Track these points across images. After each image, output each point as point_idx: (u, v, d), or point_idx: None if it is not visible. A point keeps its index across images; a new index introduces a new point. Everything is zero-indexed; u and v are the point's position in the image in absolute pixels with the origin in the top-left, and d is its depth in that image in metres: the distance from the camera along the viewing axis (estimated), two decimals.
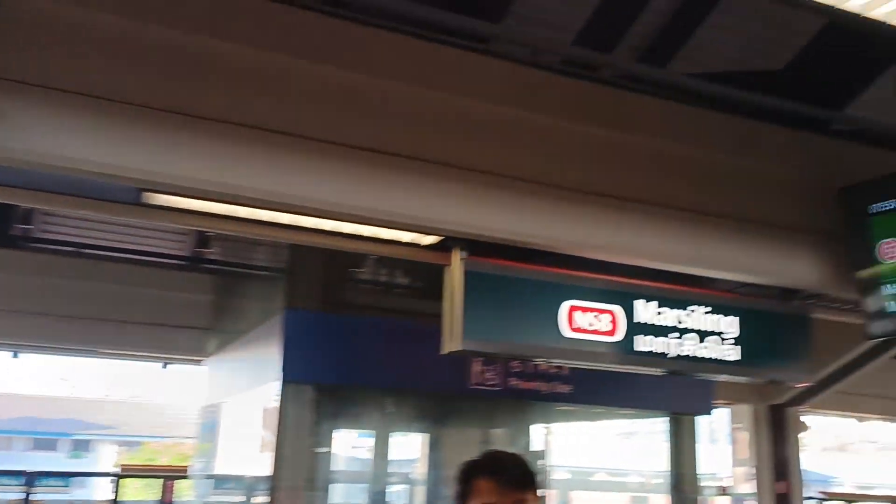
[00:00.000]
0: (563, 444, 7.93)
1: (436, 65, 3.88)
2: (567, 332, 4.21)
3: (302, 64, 3.53)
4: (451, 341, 4.08)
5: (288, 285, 5.81)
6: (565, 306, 4.21)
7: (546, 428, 7.76)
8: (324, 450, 6.03)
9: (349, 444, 8.36)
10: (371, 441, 7.55)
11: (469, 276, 4.03)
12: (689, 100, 4.62)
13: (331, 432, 6.37)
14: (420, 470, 7.66)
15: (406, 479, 8.07)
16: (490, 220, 3.79)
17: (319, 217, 3.73)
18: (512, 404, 6.57)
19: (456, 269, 4.09)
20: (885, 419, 11.33)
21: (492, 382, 5.85)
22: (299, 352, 5.41)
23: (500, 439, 7.28)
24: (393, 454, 7.60)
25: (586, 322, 4.24)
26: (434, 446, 7.44)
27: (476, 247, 4.13)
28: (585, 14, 4.80)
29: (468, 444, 7.15)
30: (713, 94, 4.74)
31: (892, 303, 4.16)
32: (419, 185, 3.62)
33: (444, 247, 4.24)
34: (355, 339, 5.57)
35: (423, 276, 6.32)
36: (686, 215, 4.20)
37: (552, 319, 4.20)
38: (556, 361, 5.04)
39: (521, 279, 4.16)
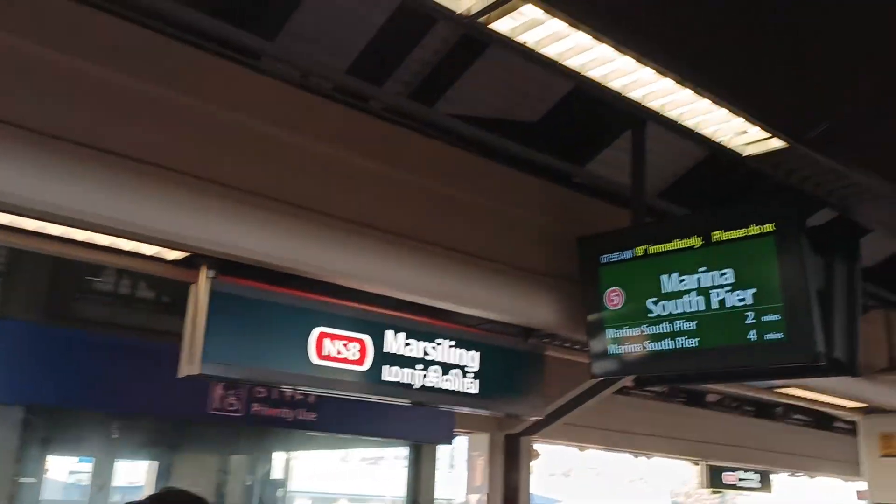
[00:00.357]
0: (306, 471, 7.76)
1: (197, 72, 3.66)
2: (315, 359, 4.14)
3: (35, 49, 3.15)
4: (190, 364, 3.83)
5: (1, 292, 5.14)
6: (315, 333, 4.13)
7: (289, 454, 7.57)
8: (29, 479, 5.37)
9: (66, 472, 7.56)
10: (90, 468, 6.88)
11: (215, 296, 3.82)
12: (451, 140, 4.80)
13: (42, 459, 5.70)
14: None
15: None
16: (241, 239, 3.62)
17: (45, 221, 3.33)
18: (254, 431, 6.33)
19: (202, 287, 3.87)
20: (602, 448, 12.49)
21: (233, 408, 5.59)
22: (7, 369, 4.79)
23: (239, 466, 6.98)
24: (118, 482, 6.98)
25: (335, 350, 4.19)
26: (165, 474, 6.95)
27: (226, 266, 3.93)
28: (360, 44, 4.82)
29: (204, 471, 6.77)
30: (474, 137, 4.98)
31: (614, 346, 4.55)
32: (165, 196, 3.36)
33: (191, 263, 4.00)
34: (80, 356, 5.05)
35: (170, 291, 5.91)
36: (439, 251, 4.31)
37: (301, 346, 4.11)
38: (303, 389, 4.93)
39: (271, 303, 4.03)
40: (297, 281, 4.21)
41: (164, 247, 3.77)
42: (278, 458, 7.42)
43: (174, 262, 4.02)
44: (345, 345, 4.23)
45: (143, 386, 5.12)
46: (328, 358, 4.17)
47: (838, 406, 7.78)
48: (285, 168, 3.86)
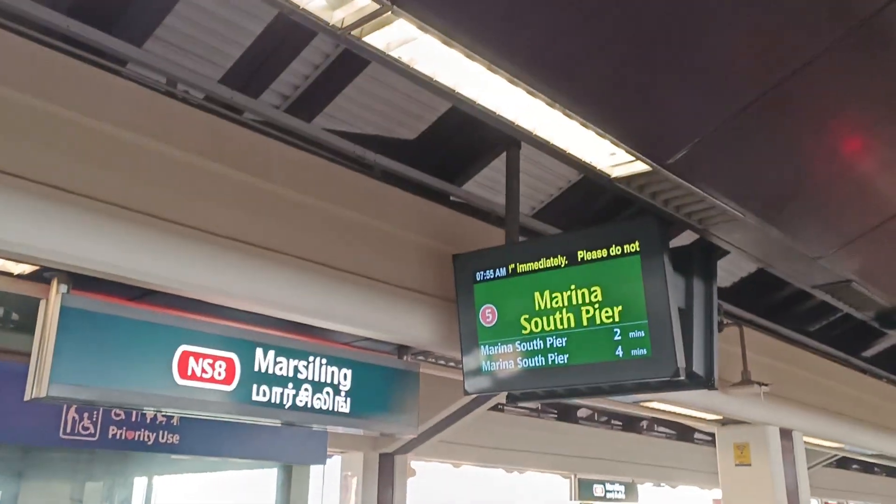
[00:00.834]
0: (170, 497, 7.37)
1: (53, 75, 3.43)
2: (179, 379, 3.94)
3: None
4: (37, 386, 3.55)
5: None
6: (178, 351, 3.94)
7: (150, 479, 7.17)
8: None
9: None
10: None
11: (66, 313, 3.57)
12: (327, 155, 4.72)
13: None
14: None
15: None
16: (96, 252, 3.39)
17: None
18: (112, 455, 5.95)
19: (52, 303, 3.60)
20: (477, 465, 12.61)
21: (88, 432, 5.23)
22: None
23: (94, 493, 6.54)
24: None
25: (200, 369, 4.00)
26: None
27: (80, 280, 3.68)
28: (235, 54, 4.69)
29: (55, 500, 6.29)
30: (351, 153, 4.92)
31: (487, 363, 4.59)
32: (11, 205, 3.11)
33: (41, 277, 3.72)
34: None
35: (19, 307, 5.48)
36: (311, 266, 4.21)
37: (163, 365, 3.91)
38: (166, 411, 4.68)
39: (130, 319, 3.81)
40: (159, 297, 4.00)
41: (10, 259, 3.48)
42: (139, 483, 7.02)
43: (21, 276, 3.73)
44: (211, 364, 4.05)
45: None
46: (193, 377, 3.98)
47: (698, 419, 8.19)
48: (147, 177, 3.67)
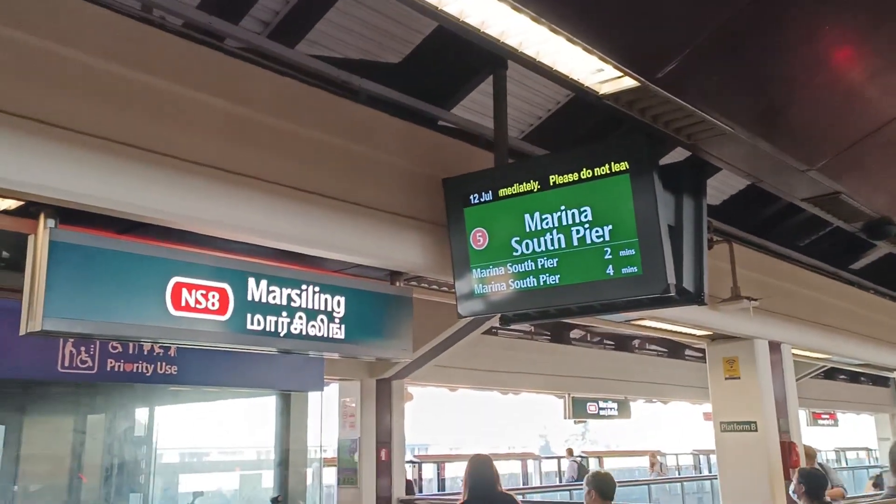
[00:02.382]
0: (172, 427, 7.52)
1: (29, 4, 3.32)
2: (172, 310, 3.95)
3: None
4: (32, 321, 3.56)
5: None
6: (171, 283, 3.94)
7: (151, 411, 7.30)
8: None
9: None
10: None
11: (56, 247, 3.54)
12: (311, 81, 4.63)
13: None
14: None
15: None
16: (81, 185, 3.35)
17: None
18: (111, 388, 6.04)
19: (41, 239, 3.57)
20: (472, 387, 12.87)
21: (86, 365, 5.29)
22: None
23: (96, 426, 6.66)
24: None
25: (194, 300, 4.02)
26: (15, 438, 6.53)
27: (69, 215, 3.65)
28: None
29: (58, 433, 6.41)
30: (336, 78, 4.83)
31: (479, 286, 4.63)
32: None
33: (28, 213, 3.68)
34: None
35: (9, 245, 5.46)
36: (300, 195, 4.19)
37: (156, 297, 3.91)
38: (162, 342, 4.72)
39: (121, 252, 3.79)
40: (149, 229, 3.98)
41: None
42: (141, 414, 7.15)
43: (8, 212, 3.69)
44: (204, 294, 4.06)
45: None
46: (187, 308, 3.99)
47: (688, 335, 8.32)
48: (129, 108, 3.60)
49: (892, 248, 6.15)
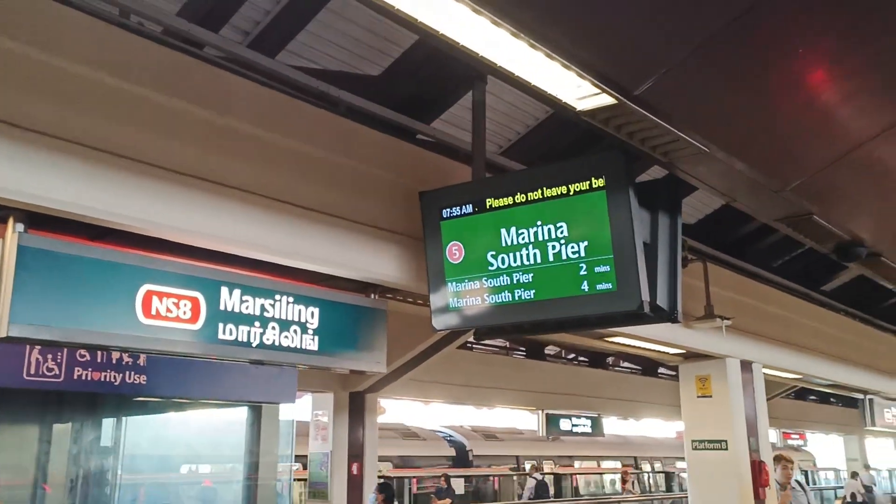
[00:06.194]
0: (140, 437, 7.40)
1: (6, 8, 3.28)
2: (142, 318, 3.90)
3: None
4: None
5: None
6: (142, 291, 3.88)
7: (119, 421, 7.18)
8: None
9: None
10: None
11: (24, 252, 3.48)
12: (291, 92, 4.62)
13: None
14: None
15: None
16: (52, 190, 3.31)
17: None
18: (79, 397, 5.92)
19: (8, 243, 3.51)
20: (446, 402, 12.82)
21: (53, 374, 5.19)
22: None
23: (62, 435, 6.53)
24: None
25: (164, 308, 3.96)
26: None
27: (38, 220, 3.59)
28: None
29: (23, 442, 6.27)
30: (315, 89, 4.82)
31: (454, 299, 4.62)
32: None
33: None
34: None
35: None
36: (276, 204, 4.16)
37: (126, 304, 3.85)
38: (131, 350, 4.65)
39: (91, 259, 3.73)
40: (122, 236, 3.93)
41: None
42: (108, 424, 7.02)
43: None
44: (175, 303, 4.01)
45: None
46: (157, 317, 3.94)
47: (662, 353, 8.36)
48: (103, 113, 3.56)
49: (863, 270, 6.22)
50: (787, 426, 23.03)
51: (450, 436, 15.97)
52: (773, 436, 20.14)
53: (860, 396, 13.21)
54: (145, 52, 3.84)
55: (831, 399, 21.07)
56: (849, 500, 19.20)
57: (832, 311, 10.47)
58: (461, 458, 15.48)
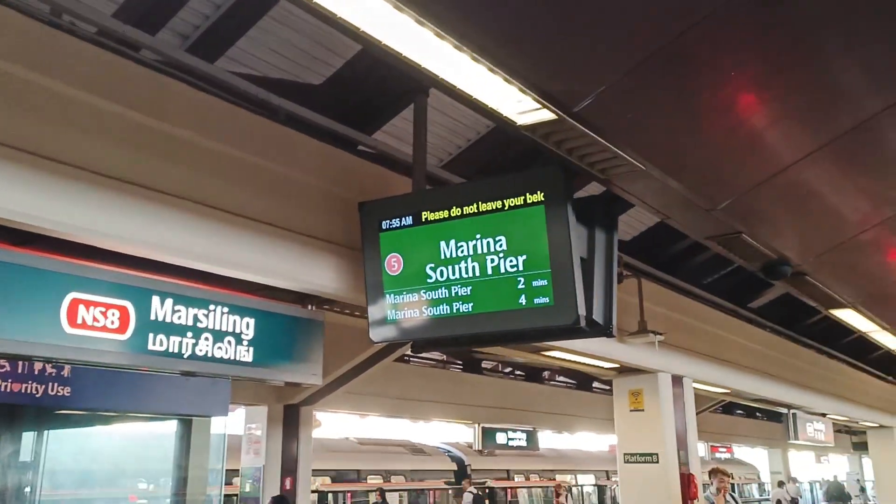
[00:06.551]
0: (62, 452, 7.11)
1: None
2: (68, 327, 3.76)
3: None
4: None
5: None
6: (67, 299, 3.75)
7: (40, 434, 6.88)
8: None
9: None
10: None
11: None
12: (229, 98, 4.54)
13: None
14: None
15: None
16: None
17: None
18: None
19: None
20: (383, 415, 12.72)
21: None
22: None
23: None
24: None
25: (91, 317, 3.83)
26: None
27: None
28: None
29: None
30: (254, 96, 4.75)
31: (393, 311, 4.59)
32: None
33: None
34: None
35: None
36: (212, 212, 4.07)
37: (50, 313, 3.72)
38: (55, 360, 4.48)
39: (14, 265, 3.59)
40: (48, 242, 3.79)
41: None
42: (28, 438, 6.72)
43: None
44: (103, 312, 3.88)
45: None
46: (83, 326, 3.80)
47: (597, 367, 8.48)
48: (31, 113, 3.44)
49: (788, 288, 6.45)
50: (715, 440, 23.63)
51: (449, 451, 17.46)
52: (701, 449, 20.64)
53: (784, 411, 13.65)
54: (77, 53, 3.72)
55: (757, 413, 21.73)
56: None
57: (759, 327, 10.81)
58: (461, 471, 16.81)
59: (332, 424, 13.89)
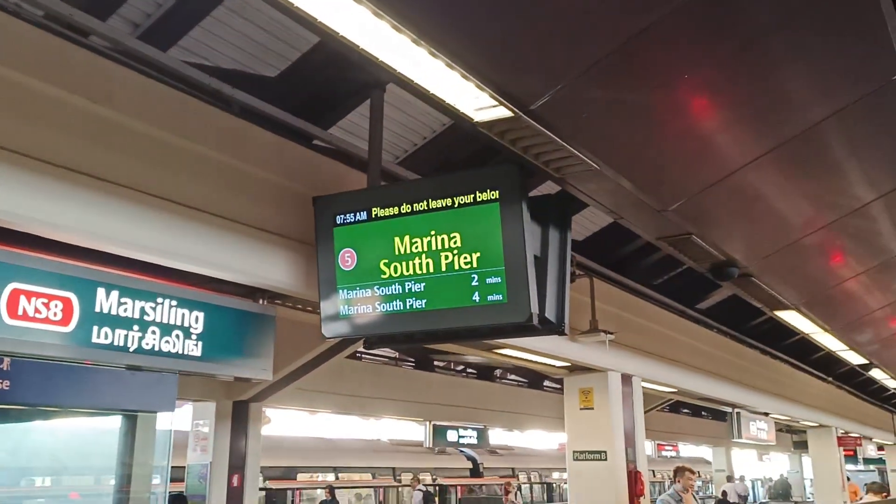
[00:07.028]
0: (0, 447, 6.90)
1: None
2: (7, 318, 3.64)
3: None
4: None
5: None
6: (7, 289, 3.63)
7: None
8: None
9: None
10: None
11: None
12: (181, 87, 4.44)
13: None
14: None
15: None
16: None
17: None
18: None
19: None
20: (333, 412, 12.64)
21: None
22: None
23: None
24: None
25: (32, 309, 3.71)
26: None
27: None
28: None
29: None
30: (207, 86, 4.66)
31: (345, 307, 4.56)
32: None
33: None
34: None
35: None
36: (160, 203, 3.98)
37: None
38: None
39: None
40: None
41: None
42: None
43: None
44: (45, 303, 3.76)
45: None
46: (24, 317, 3.68)
47: (548, 365, 8.55)
48: None
49: (735, 289, 6.59)
50: (661, 438, 24.07)
51: (463, 451, 18.97)
52: (648, 447, 21.02)
53: (729, 410, 13.95)
54: (21, 36, 3.60)
55: (702, 413, 22.19)
56: (720, 497, 21.67)
57: (706, 328, 11.03)
58: (475, 469, 18.93)
59: (281, 422, 13.79)
